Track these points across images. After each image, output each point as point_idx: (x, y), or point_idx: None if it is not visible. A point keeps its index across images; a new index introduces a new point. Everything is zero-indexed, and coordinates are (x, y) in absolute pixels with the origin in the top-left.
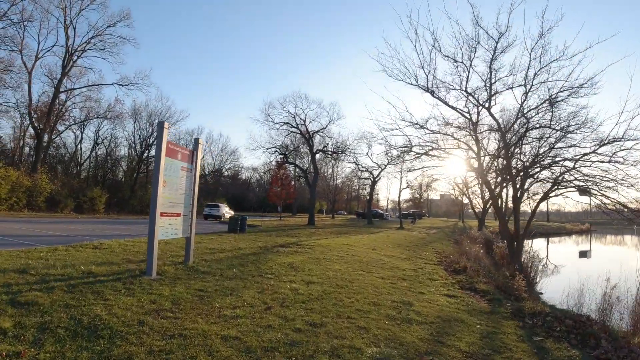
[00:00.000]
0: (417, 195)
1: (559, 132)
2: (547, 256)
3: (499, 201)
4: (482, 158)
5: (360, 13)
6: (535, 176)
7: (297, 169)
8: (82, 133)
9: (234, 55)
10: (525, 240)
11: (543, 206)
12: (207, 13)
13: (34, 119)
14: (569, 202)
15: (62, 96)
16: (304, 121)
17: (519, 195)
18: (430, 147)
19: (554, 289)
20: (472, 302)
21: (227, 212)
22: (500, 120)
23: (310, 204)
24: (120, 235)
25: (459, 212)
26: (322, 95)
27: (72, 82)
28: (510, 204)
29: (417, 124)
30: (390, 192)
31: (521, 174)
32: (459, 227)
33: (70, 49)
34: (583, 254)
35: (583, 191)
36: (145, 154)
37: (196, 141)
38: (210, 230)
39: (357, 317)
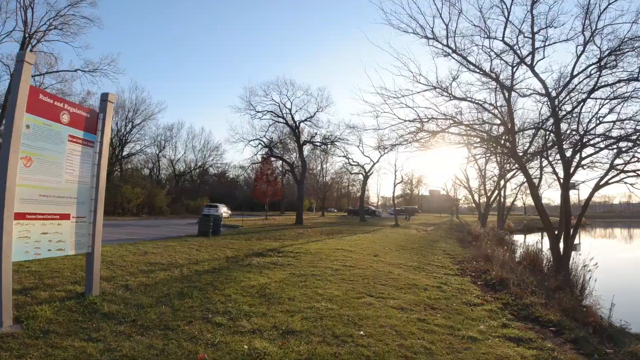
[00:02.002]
0: (409, 191)
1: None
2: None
3: (501, 195)
4: (517, 135)
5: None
6: (586, 158)
7: (284, 164)
8: None
9: (214, 48)
10: (515, 236)
11: (530, 199)
12: (187, 3)
13: None
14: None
15: None
16: (290, 110)
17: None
18: (452, 121)
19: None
20: (557, 353)
21: (225, 212)
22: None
23: (299, 201)
24: None
25: (452, 207)
26: (309, 82)
27: (40, 72)
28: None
29: (436, 87)
30: (381, 188)
31: (576, 150)
32: (456, 224)
33: (29, 32)
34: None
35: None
36: (119, 151)
37: (104, 97)
38: (177, 233)
39: None
